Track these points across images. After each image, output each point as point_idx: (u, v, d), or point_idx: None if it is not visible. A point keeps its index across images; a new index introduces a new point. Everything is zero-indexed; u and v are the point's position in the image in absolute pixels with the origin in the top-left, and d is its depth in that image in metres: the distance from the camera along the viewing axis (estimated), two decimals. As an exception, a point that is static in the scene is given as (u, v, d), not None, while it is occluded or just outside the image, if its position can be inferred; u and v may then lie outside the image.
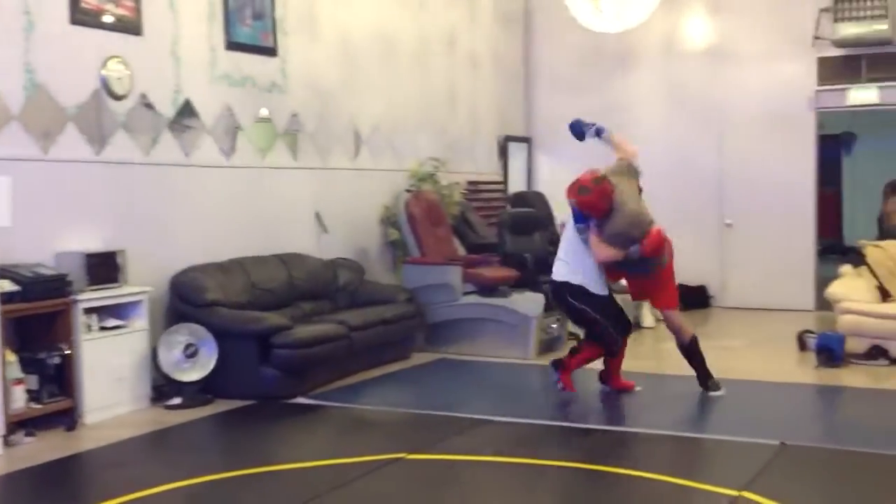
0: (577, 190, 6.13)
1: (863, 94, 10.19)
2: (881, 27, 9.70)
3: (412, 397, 6.74)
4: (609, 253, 6.16)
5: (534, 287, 8.41)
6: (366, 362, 7.37)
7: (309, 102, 8.31)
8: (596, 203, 6.10)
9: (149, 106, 6.78)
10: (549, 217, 10.70)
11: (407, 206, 8.62)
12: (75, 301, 5.85)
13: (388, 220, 9.05)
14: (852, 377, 7.09)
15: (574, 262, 6.32)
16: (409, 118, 9.64)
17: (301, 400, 6.47)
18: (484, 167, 11.04)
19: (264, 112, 7.79)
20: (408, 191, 8.96)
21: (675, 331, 6.52)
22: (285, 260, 7.60)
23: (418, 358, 7.95)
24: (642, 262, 6.24)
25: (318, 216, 8.29)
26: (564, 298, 6.43)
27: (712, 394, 6.34)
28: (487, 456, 5.09)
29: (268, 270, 7.34)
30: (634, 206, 6.24)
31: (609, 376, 6.54)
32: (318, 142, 8.45)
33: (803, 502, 4.23)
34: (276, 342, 6.49)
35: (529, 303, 8.12)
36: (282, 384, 6.50)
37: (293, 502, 4.36)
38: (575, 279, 6.29)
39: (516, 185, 11.61)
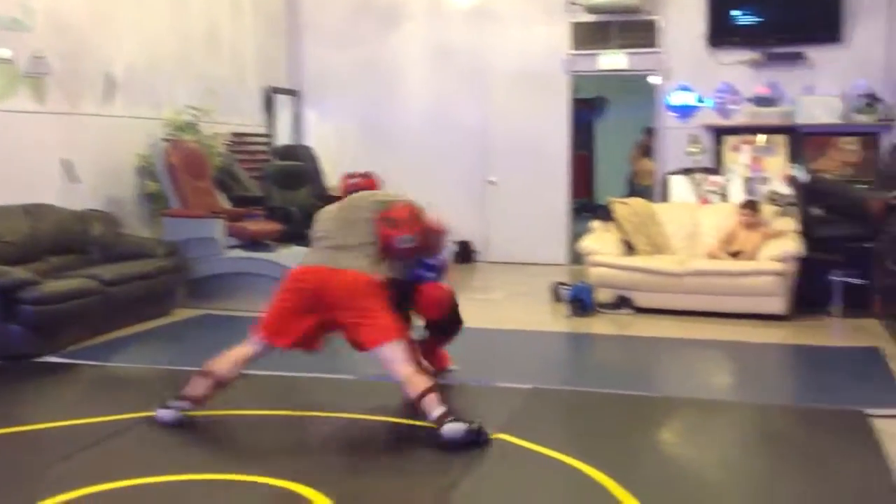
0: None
1: (612, 60, 10.78)
2: (631, -5, 10.29)
3: (172, 354, 6.54)
4: None
5: (300, 241, 8.33)
6: (123, 319, 7.05)
7: (55, 42, 7.73)
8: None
9: None
10: (316, 171, 10.64)
11: (165, 156, 8.26)
12: None
13: (145, 171, 8.64)
14: (600, 325, 7.57)
15: None
16: (167, 63, 9.19)
17: (51, 358, 6.11)
18: (249, 119, 10.75)
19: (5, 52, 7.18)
20: (165, 140, 8.59)
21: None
22: (30, 211, 7.09)
23: (180, 314, 7.70)
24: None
25: (66, 164, 7.78)
26: None
27: (446, 431, 4.39)
28: (249, 409, 5.01)
29: (9, 222, 6.82)
30: None
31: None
32: (66, 85, 7.88)
33: (551, 440, 4.46)
34: (22, 297, 6.07)
35: (294, 257, 7.99)
36: (29, 342, 6.11)
37: (43, 463, 4.10)
38: None
39: (283, 138, 11.41)
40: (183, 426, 4.66)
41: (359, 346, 4.81)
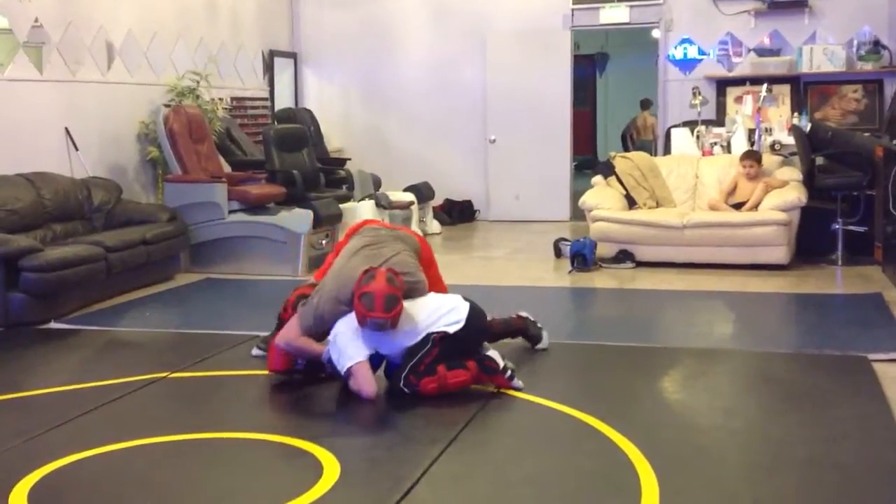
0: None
1: (614, 13, 10.68)
2: (631, -53, 10.18)
3: (176, 318, 6.56)
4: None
5: (302, 204, 8.34)
6: (126, 284, 7.10)
7: (53, 9, 7.70)
8: None
9: None
10: (317, 133, 10.62)
11: (166, 121, 8.25)
12: None
13: (147, 137, 8.64)
14: (602, 279, 7.57)
15: None
16: (165, 29, 9.16)
17: (54, 325, 6.15)
18: (249, 82, 10.72)
19: (3, 22, 7.16)
20: (166, 106, 8.57)
21: None
22: (32, 179, 7.10)
23: (183, 279, 7.73)
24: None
25: (67, 132, 7.79)
26: None
27: None
28: (252, 370, 5.05)
29: (12, 190, 6.84)
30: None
31: None
32: (66, 53, 7.87)
33: (553, 393, 4.49)
34: (24, 265, 6.10)
35: (298, 219, 8.05)
36: (32, 309, 6.15)
37: (46, 426, 4.15)
38: None
39: (283, 101, 11.38)
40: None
41: None
